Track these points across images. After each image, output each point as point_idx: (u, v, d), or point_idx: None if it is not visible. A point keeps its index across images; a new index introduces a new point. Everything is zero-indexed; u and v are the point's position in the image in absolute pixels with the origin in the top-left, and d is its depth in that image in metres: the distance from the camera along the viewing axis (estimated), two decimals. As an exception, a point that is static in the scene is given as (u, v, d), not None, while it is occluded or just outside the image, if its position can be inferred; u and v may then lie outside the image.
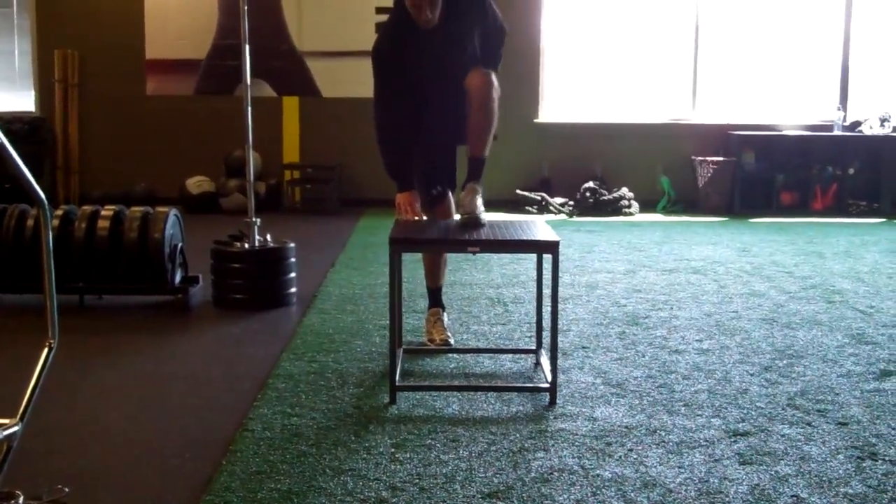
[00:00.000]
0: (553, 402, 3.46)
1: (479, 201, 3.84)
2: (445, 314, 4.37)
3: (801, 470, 2.85)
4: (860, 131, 9.51)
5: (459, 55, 3.92)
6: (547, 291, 3.63)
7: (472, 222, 3.75)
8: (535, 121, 9.60)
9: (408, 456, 2.94)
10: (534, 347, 4.08)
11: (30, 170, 2.29)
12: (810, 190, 9.45)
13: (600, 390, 3.62)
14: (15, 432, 2.29)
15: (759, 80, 9.83)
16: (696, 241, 7.40)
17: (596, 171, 9.46)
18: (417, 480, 2.75)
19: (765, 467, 2.87)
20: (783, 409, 3.41)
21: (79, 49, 9.37)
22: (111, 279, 4.97)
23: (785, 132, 9.57)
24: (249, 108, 5.16)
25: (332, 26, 9.39)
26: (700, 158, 9.44)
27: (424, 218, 4.01)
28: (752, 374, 3.83)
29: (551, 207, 9.11)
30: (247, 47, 5.12)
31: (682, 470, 2.84)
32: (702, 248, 7.05)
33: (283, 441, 3.07)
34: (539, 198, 9.19)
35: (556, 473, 2.81)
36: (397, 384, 3.51)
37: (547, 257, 3.52)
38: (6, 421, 2.29)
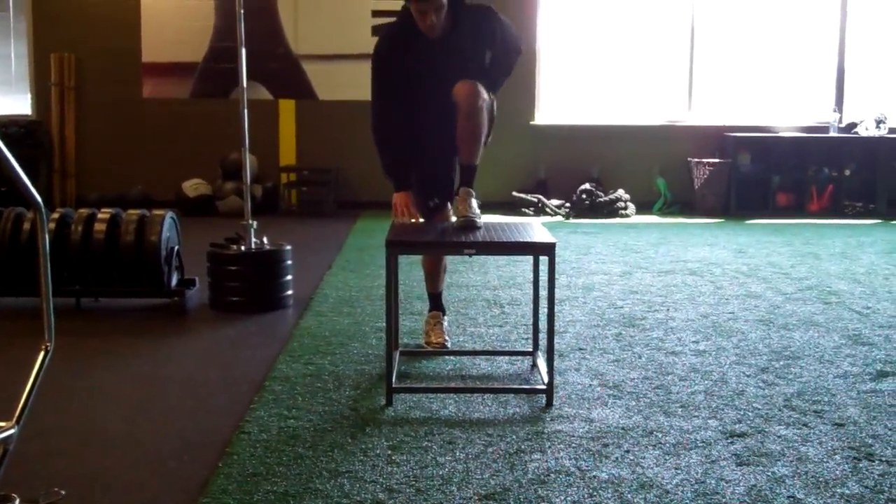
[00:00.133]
0: (549, 403, 3.46)
1: (475, 204, 3.85)
2: (446, 318, 4.38)
3: (798, 471, 2.85)
4: (856, 133, 9.53)
5: (460, 68, 3.89)
6: (543, 293, 3.64)
7: (468, 225, 3.75)
8: (532, 123, 9.60)
9: (404, 458, 2.94)
10: (530, 349, 4.08)
11: (26, 173, 2.29)
12: (806, 191, 9.47)
13: (597, 392, 3.62)
14: (11, 435, 2.29)
15: (755, 81, 9.84)
16: (692, 243, 7.41)
17: (592, 172, 9.47)
18: (414, 482, 2.75)
19: (761, 468, 2.87)
20: (780, 410, 3.41)
21: (75, 52, 9.36)
22: (108, 282, 4.96)
23: (781, 134, 9.58)
24: (246, 111, 5.16)
25: (328, 29, 9.39)
26: (696, 160, 9.45)
27: (421, 220, 4.01)
28: (748, 376, 3.84)
29: (548, 209, 9.12)
30: (243, 50, 5.12)
31: (679, 471, 2.85)
32: (698, 250, 7.06)
33: (279, 443, 3.06)
34: (535, 200, 9.19)
35: (552, 475, 2.81)
36: (394, 386, 3.51)
37: (543, 259, 3.53)
38: (2, 424, 2.29)
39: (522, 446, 3.05)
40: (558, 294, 4.05)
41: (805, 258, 6.69)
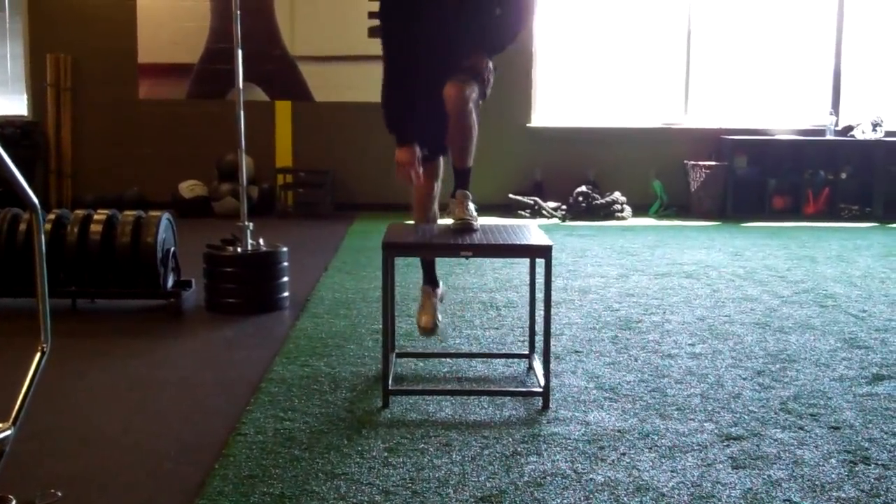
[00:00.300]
0: (546, 406, 3.46)
1: (472, 207, 3.84)
2: (439, 291, 4.10)
3: (794, 474, 2.86)
4: (852, 136, 9.54)
5: (466, 21, 3.79)
6: (540, 296, 3.64)
7: (465, 227, 3.75)
8: (528, 125, 9.60)
9: (401, 460, 2.94)
10: (527, 352, 4.08)
11: (22, 174, 2.29)
12: (802, 194, 9.47)
13: (593, 394, 3.62)
14: (7, 436, 2.29)
15: (751, 84, 9.85)
16: (688, 246, 7.42)
17: (589, 175, 9.47)
18: (410, 484, 2.75)
19: (757, 471, 2.88)
20: (776, 414, 3.41)
21: (71, 53, 9.35)
22: (104, 283, 4.96)
23: (777, 136, 9.59)
24: (242, 113, 5.16)
25: (324, 31, 9.39)
26: (692, 163, 9.46)
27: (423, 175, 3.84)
28: (744, 379, 3.84)
29: (544, 212, 9.12)
30: (239, 52, 5.12)
31: (675, 474, 2.85)
32: (694, 253, 7.06)
33: (275, 445, 3.06)
34: (532, 202, 9.20)
35: (548, 478, 2.82)
36: (390, 388, 3.51)
37: (540, 262, 3.53)
38: (-2, 425, 2.29)
39: (519, 449, 3.05)
40: (554, 297, 4.05)
41: (801, 261, 6.70)
